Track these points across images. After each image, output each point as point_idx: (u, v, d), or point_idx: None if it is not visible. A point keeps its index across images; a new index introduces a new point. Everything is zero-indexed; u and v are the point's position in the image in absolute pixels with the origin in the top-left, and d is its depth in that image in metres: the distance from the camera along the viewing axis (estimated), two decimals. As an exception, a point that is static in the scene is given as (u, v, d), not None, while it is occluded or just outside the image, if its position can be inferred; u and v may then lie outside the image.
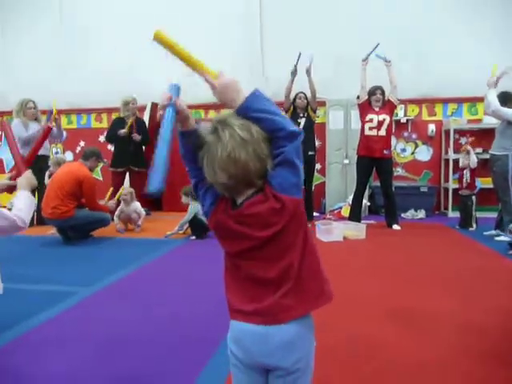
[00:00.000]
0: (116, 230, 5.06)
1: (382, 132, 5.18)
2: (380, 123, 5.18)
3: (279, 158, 0.95)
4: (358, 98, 5.35)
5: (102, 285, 3.06)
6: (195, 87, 7.34)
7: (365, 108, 5.31)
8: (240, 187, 0.97)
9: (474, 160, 5.08)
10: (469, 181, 5.18)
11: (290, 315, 0.97)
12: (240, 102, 0.96)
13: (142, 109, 7.07)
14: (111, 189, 5.24)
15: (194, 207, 4.56)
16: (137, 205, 5.19)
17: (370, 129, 5.20)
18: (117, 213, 5.09)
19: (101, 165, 5.91)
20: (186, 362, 1.89)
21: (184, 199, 4.71)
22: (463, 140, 6.63)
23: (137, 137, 5.93)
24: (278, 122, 0.95)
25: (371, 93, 5.27)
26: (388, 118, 5.20)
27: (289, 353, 0.97)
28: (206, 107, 7.41)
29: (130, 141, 5.94)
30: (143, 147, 6.28)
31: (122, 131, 5.92)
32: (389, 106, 5.27)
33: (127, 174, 6.23)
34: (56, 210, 4.44)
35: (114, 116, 6.78)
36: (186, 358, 1.93)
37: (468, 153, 5.15)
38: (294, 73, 5.48)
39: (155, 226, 5.51)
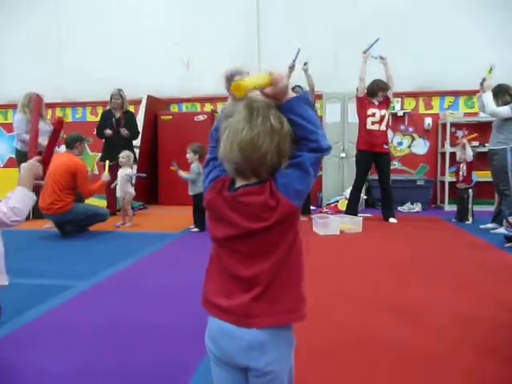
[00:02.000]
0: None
1: (383, 127, 5.22)
2: (382, 118, 5.21)
3: (295, 160, 0.93)
4: (357, 90, 5.34)
5: (100, 278, 3.05)
6: (191, 81, 7.34)
7: (364, 102, 5.31)
8: (247, 172, 0.95)
9: (469, 154, 5.09)
10: (465, 174, 5.20)
11: (257, 322, 0.95)
12: (286, 99, 0.93)
13: (138, 102, 7.04)
14: (107, 162, 5.14)
15: (197, 166, 4.55)
16: (130, 170, 5.11)
17: (373, 123, 5.21)
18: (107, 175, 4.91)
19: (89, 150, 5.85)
20: (185, 354, 1.89)
21: (190, 156, 4.63)
22: (460, 133, 6.63)
23: (124, 132, 5.77)
24: (311, 132, 0.93)
25: (373, 93, 5.26)
26: (387, 114, 5.24)
27: (259, 354, 0.95)
28: (202, 100, 7.38)
29: (117, 136, 5.79)
30: (133, 141, 6.12)
31: (107, 132, 5.80)
32: (386, 102, 5.29)
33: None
34: (53, 205, 4.41)
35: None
36: (185, 350, 1.93)
37: (464, 147, 5.16)
38: (292, 68, 5.46)
39: (152, 220, 5.50)
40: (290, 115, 0.93)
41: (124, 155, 5.09)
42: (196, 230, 4.67)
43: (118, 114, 5.93)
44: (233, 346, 0.96)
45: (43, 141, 5.56)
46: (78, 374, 1.75)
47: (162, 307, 2.50)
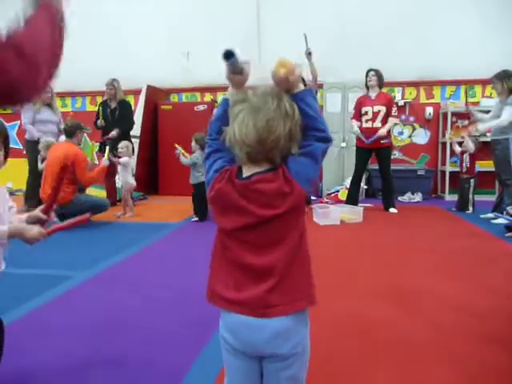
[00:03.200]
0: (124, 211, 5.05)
1: (377, 124, 5.17)
2: (375, 115, 5.18)
3: (306, 149, 0.97)
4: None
5: (100, 268, 3.06)
6: (191, 70, 7.28)
7: (359, 101, 5.34)
8: (259, 157, 0.96)
9: (470, 146, 5.08)
10: (468, 165, 5.19)
11: (276, 312, 0.96)
12: (297, 90, 0.98)
13: (138, 92, 7.01)
14: (107, 149, 5.08)
15: (196, 156, 4.56)
16: (130, 160, 5.11)
17: (366, 121, 5.22)
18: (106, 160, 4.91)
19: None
20: (184, 345, 1.90)
21: (193, 145, 4.66)
22: (460, 123, 6.60)
23: (112, 135, 5.65)
24: (320, 123, 0.98)
25: (366, 76, 5.27)
26: (384, 109, 5.17)
27: (284, 341, 0.97)
28: (202, 90, 7.34)
29: (113, 126, 5.72)
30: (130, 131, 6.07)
31: (99, 123, 5.76)
32: (385, 97, 5.25)
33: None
34: None
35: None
36: (184, 341, 1.94)
37: (462, 140, 5.16)
38: (310, 54, 5.43)
39: (152, 210, 5.50)
40: (302, 105, 0.97)
41: (123, 145, 5.07)
42: (196, 219, 4.67)
43: (113, 105, 5.88)
44: (256, 336, 0.97)
45: (49, 129, 5.57)
46: (76, 365, 1.76)
47: (163, 298, 2.51)
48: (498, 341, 1.90)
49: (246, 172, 0.98)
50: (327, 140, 0.99)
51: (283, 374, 0.99)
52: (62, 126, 5.82)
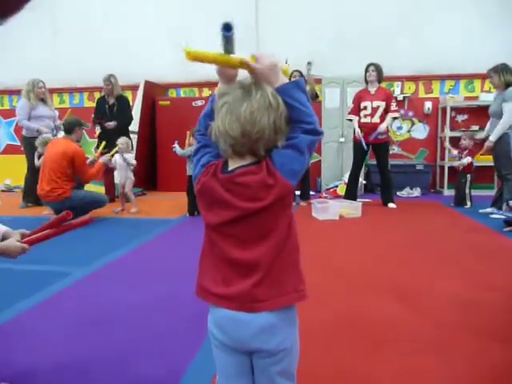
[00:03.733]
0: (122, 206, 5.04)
1: (376, 119, 5.16)
2: (374, 110, 5.17)
3: (292, 141, 0.95)
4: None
5: (99, 265, 3.05)
6: (191, 66, 7.27)
7: (358, 96, 5.33)
8: (244, 150, 0.95)
9: (468, 161, 5.12)
10: (469, 161, 5.18)
11: (263, 306, 0.95)
12: (278, 84, 0.97)
13: (136, 87, 6.98)
14: (103, 143, 5.09)
15: (191, 149, 4.57)
16: (130, 156, 5.08)
17: (365, 116, 5.21)
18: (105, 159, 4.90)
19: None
20: (183, 342, 1.90)
21: (191, 139, 4.69)
22: (460, 118, 6.59)
23: (109, 125, 5.68)
24: (307, 115, 0.96)
25: (365, 71, 5.26)
26: (383, 105, 5.15)
27: (270, 336, 0.96)
28: (200, 85, 7.32)
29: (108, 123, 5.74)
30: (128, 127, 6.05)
31: (97, 128, 5.77)
32: (384, 93, 5.24)
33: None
34: (52, 192, 4.41)
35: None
36: (182, 338, 1.94)
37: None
38: (310, 64, 5.47)
39: (150, 206, 5.49)
40: (285, 97, 0.96)
41: (122, 141, 5.05)
42: (187, 215, 4.69)
43: (111, 100, 5.87)
44: (243, 331, 0.96)
45: (45, 125, 5.54)
46: (75, 361, 1.76)
47: (162, 293, 2.50)
48: (499, 337, 1.90)
49: (231, 165, 0.97)
50: (315, 132, 0.96)
51: (273, 369, 0.99)
52: (59, 122, 5.82)
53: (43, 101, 5.65)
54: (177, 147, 4.75)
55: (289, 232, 0.98)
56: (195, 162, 1.04)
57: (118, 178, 5.04)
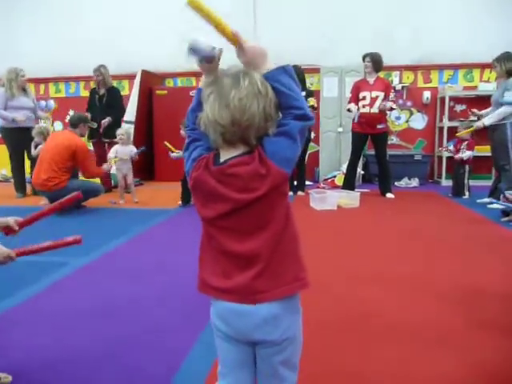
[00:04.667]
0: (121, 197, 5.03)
1: (375, 109, 5.13)
2: (373, 100, 5.13)
3: (283, 128, 0.94)
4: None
5: (96, 255, 3.04)
6: (186, 55, 7.15)
7: (356, 85, 5.28)
8: (234, 139, 0.94)
9: (469, 154, 5.11)
10: (470, 156, 5.17)
11: (265, 297, 0.95)
12: (265, 70, 0.96)
13: (132, 77, 6.92)
14: (116, 158, 5.07)
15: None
16: (132, 147, 5.07)
17: (364, 106, 5.17)
18: (111, 155, 4.94)
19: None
20: (181, 331, 1.90)
21: (183, 133, 4.61)
22: (458, 107, 6.57)
23: (105, 123, 5.60)
24: (296, 100, 0.95)
25: (363, 61, 5.23)
26: (382, 95, 5.12)
27: (274, 327, 0.96)
28: (197, 74, 7.25)
29: (102, 114, 5.65)
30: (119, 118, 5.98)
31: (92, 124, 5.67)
32: (383, 83, 5.20)
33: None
34: (48, 181, 4.40)
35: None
36: (183, 327, 1.93)
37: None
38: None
39: (148, 196, 5.47)
40: (273, 83, 0.94)
41: (122, 131, 5.01)
42: (180, 203, 4.66)
43: (101, 91, 5.79)
44: (246, 323, 0.96)
45: (21, 116, 5.43)
46: (73, 352, 1.75)
47: (160, 284, 2.50)
48: (497, 326, 1.90)
49: (223, 157, 0.96)
50: (305, 117, 0.95)
51: (276, 359, 0.99)
52: (41, 113, 5.78)
53: (24, 90, 5.52)
54: (172, 154, 4.73)
55: (287, 221, 0.97)
56: (186, 158, 1.03)
57: (119, 169, 5.00)
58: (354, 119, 5.24)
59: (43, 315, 2.09)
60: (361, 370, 1.56)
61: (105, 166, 4.87)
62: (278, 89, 0.94)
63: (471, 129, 4.78)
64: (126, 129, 5.09)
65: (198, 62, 1.01)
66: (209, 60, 0.99)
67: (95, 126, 5.21)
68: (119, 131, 5.01)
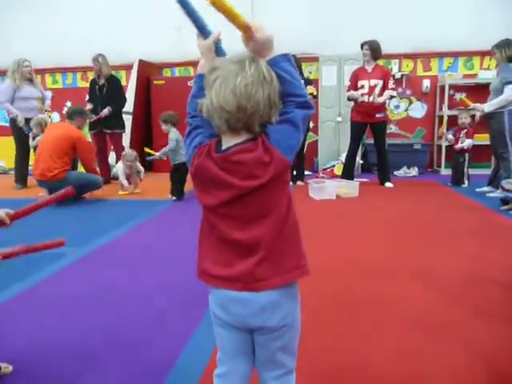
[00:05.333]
0: (128, 191, 5.05)
1: (376, 98, 5.09)
2: (371, 89, 5.10)
3: (286, 116, 0.94)
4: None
5: (95, 245, 3.04)
6: (183, 44, 7.12)
7: (355, 74, 5.25)
8: (239, 126, 0.93)
9: (469, 143, 5.08)
10: (470, 145, 5.16)
11: (265, 285, 0.95)
12: (269, 57, 0.96)
13: (130, 66, 6.87)
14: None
15: (175, 133, 4.51)
16: (137, 165, 5.10)
17: (362, 95, 5.14)
18: (122, 174, 4.99)
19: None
20: (180, 319, 1.90)
21: (163, 126, 4.60)
22: (458, 96, 6.53)
23: (103, 113, 5.56)
24: (298, 88, 0.95)
25: (361, 49, 5.20)
26: (380, 83, 5.09)
27: (271, 314, 0.96)
28: (195, 64, 7.19)
29: (102, 104, 5.62)
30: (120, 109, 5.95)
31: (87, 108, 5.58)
32: (382, 71, 5.17)
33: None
34: (47, 171, 4.39)
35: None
36: (181, 316, 1.94)
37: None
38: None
39: (146, 187, 5.46)
40: (277, 70, 0.95)
41: (132, 158, 4.94)
42: (174, 198, 4.62)
43: (101, 81, 5.74)
44: (245, 311, 0.96)
45: (31, 106, 5.44)
46: (72, 343, 1.75)
47: (159, 274, 2.50)
48: (498, 315, 1.90)
49: (225, 144, 0.95)
50: (307, 105, 0.95)
51: (274, 345, 1.00)
52: (47, 102, 5.75)
53: (30, 81, 5.52)
54: (156, 154, 4.73)
55: (288, 209, 0.97)
56: (187, 145, 1.01)
57: (123, 168, 5.02)
58: (356, 100, 5.17)
59: (44, 304, 2.09)
60: (360, 358, 1.56)
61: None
62: (282, 75, 0.94)
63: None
64: (134, 153, 5.04)
65: (198, 44, 1.02)
66: (200, 30, 1.00)
67: (93, 118, 5.17)
68: (126, 157, 4.93)
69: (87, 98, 5.88)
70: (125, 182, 5.00)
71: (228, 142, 0.94)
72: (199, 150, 0.97)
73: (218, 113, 0.92)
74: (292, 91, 0.94)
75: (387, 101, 5.28)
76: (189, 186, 4.64)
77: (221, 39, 1.03)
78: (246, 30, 0.96)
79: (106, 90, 5.69)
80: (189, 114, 1.05)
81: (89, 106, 5.61)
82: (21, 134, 5.41)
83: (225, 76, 0.91)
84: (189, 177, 1.16)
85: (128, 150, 5.12)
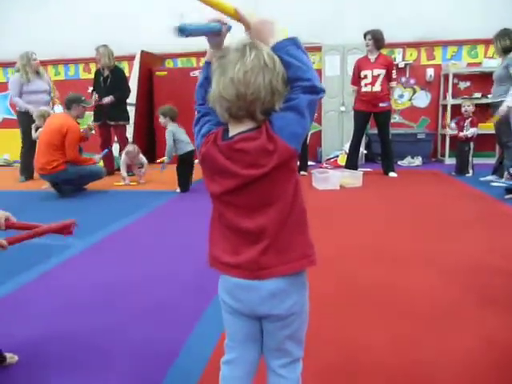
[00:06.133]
0: (124, 183, 5.06)
1: (377, 87, 5.09)
2: (374, 78, 5.08)
3: (290, 103, 0.91)
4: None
5: (99, 237, 3.06)
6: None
7: (357, 64, 5.24)
8: (241, 114, 0.92)
9: (474, 131, 5.06)
10: (475, 133, 5.13)
11: (271, 273, 0.95)
12: (274, 42, 0.94)
13: (132, 58, 6.84)
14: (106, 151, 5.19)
15: (170, 130, 4.43)
16: (140, 157, 5.14)
17: (366, 85, 5.13)
18: (123, 167, 5.04)
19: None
20: (188, 306, 1.92)
21: (161, 119, 4.54)
22: (462, 85, 6.48)
23: (105, 100, 5.56)
24: (304, 72, 0.92)
25: (364, 39, 5.17)
26: (383, 73, 5.07)
27: (280, 302, 0.97)
28: (198, 55, 7.16)
29: (105, 95, 5.59)
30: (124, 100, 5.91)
31: (93, 99, 5.56)
32: (385, 60, 5.14)
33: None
34: (47, 165, 4.39)
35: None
36: (187, 302, 1.96)
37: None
38: None
39: (149, 178, 5.47)
40: (281, 54, 0.92)
41: (134, 154, 5.00)
42: (178, 190, 4.59)
43: (106, 72, 5.72)
44: (253, 298, 0.97)
45: (39, 99, 5.45)
46: (76, 332, 1.77)
47: (162, 264, 2.51)
48: (501, 302, 1.91)
49: (231, 132, 0.94)
50: (315, 90, 0.91)
51: (282, 333, 1.00)
52: (53, 95, 5.74)
53: (38, 73, 5.53)
54: (164, 164, 4.61)
55: (295, 198, 0.96)
56: (196, 133, 1.02)
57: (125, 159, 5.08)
58: (355, 100, 5.17)
59: (48, 296, 2.11)
60: (365, 344, 1.57)
61: (96, 157, 4.90)
62: (287, 60, 0.92)
63: (497, 116, 4.66)
64: (135, 147, 5.09)
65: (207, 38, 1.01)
66: (213, 35, 0.99)
67: (90, 104, 5.10)
68: (128, 148, 5.00)
69: (91, 88, 5.85)
70: (124, 174, 5.04)
71: (233, 130, 0.94)
72: (207, 138, 0.98)
73: (219, 102, 0.92)
74: (298, 75, 0.91)
75: (390, 90, 5.26)
76: (197, 175, 4.64)
77: (229, 25, 1.01)
78: (240, 19, 0.96)
79: (110, 81, 5.67)
80: (197, 101, 1.05)
81: (94, 96, 5.60)
82: (26, 127, 5.41)
83: (225, 64, 0.91)
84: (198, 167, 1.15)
85: (130, 147, 5.11)
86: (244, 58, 0.89)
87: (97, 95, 5.58)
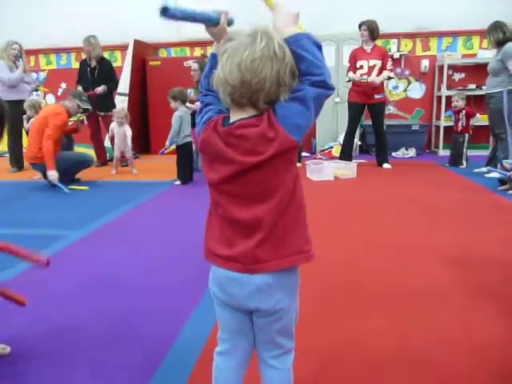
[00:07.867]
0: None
1: (373, 78, 5.05)
2: (370, 69, 5.06)
3: (296, 94, 0.90)
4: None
5: (93, 227, 3.03)
6: (179, 24, 7.03)
7: (353, 54, 5.22)
8: (243, 101, 0.90)
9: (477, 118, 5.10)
10: (464, 124, 5.17)
11: (265, 267, 0.93)
12: (290, 34, 0.92)
13: (125, 47, 6.76)
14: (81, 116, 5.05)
15: (179, 116, 4.35)
16: (127, 128, 5.11)
17: (361, 75, 5.10)
18: (109, 134, 5.13)
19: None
20: (181, 297, 1.91)
21: (172, 104, 4.47)
22: (457, 76, 6.48)
23: (99, 91, 5.48)
24: (317, 67, 0.90)
25: (359, 29, 5.15)
26: (379, 63, 5.05)
27: (268, 296, 0.95)
28: (191, 44, 7.10)
29: (93, 86, 5.54)
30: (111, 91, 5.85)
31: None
32: (380, 51, 5.13)
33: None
34: (37, 155, 4.35)
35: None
36: (181, 293, 1.95)
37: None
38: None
39: (144, 169, 5.44)
40: (295, 47, 0.91)
41: (122, 115, 4.96)
42: (178, 183, 4.54)
43: (93, 63, 5.64)
44: (241, 291, 0.95)
45: (23, 89, 5.36)
46: (73, 321, 1.76)
47: (159, 255, 2.50)
48: (495, 293, 1.92)
49: (232, 118, 0.93)
50: (324, 85, 0.90)
51: (271, 327, 1.00)
52: (34, 86, 5.68)
53: (15, 64, 5.38)
54: (164, 149, 4.57)
55: (294, 191, 0.94)
56: (198, 122, 1.01)
57: (117, 144, 5.11)
58: (360, 81, 5.13)
59: (45, 286, 2.09)
60: (359, 333, 1.58)
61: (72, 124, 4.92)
62: (301, 54, 0.90)
63: None
64: (124, 112, 5.05)
65: (206, 28, 1.02)
66: (210, 26, 1.01)
67: (88, 111, 4.99)
68: (119, 114, 4.99)
69: (78, 80, 5.76)
70: (116, 168, 5.14)
71: (234, 116, 0.93)
72: (207, 124, 0.97)
73: (222, 85, 0.91)
74: (310, 70, 0.90)
75: (385, 81, 5.24)
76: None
77: (231, 17, 1.02)
78: (271, 4, 0.97)
79: (98, 72, 5.61)
80: (201, 92, 1.05)
81: (79, 88, 5.52)
82: (11, 116, 5.32)
83: (234, 49, 0.89)
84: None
85: (119, 107, 5.10)
86: (254, 44, 0.87)
87: (80, 87, 5.51)
